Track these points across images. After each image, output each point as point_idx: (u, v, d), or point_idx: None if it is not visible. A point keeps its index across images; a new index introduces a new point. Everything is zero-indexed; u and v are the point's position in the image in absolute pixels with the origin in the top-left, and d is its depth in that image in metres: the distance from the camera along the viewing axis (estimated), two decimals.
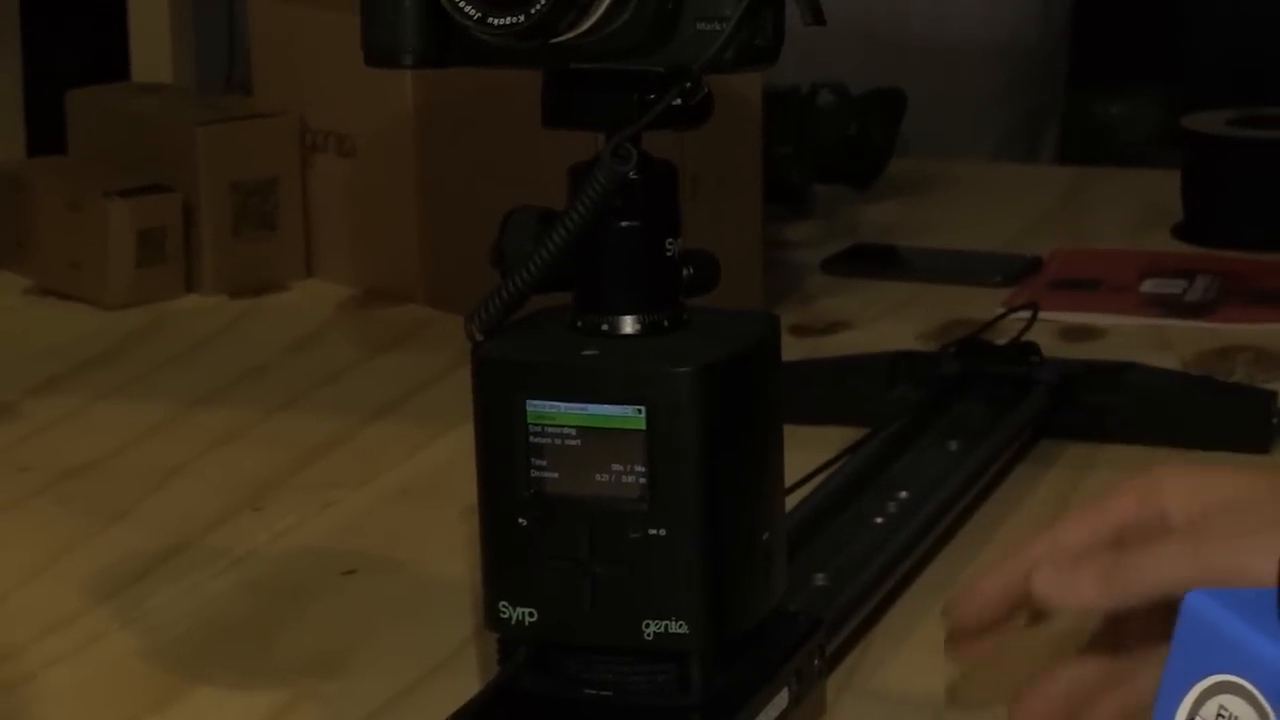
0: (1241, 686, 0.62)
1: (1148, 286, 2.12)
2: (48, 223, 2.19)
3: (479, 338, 1.10)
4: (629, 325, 1.10)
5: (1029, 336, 1.86)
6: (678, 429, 1.07)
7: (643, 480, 1.07)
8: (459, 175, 2.02)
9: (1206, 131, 2.34)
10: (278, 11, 2.24)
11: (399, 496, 1.65)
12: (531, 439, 1.08)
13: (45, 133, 2.49)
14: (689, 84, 1.06)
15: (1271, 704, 0.60)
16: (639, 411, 1.07)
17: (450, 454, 1.72)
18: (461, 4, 1.02)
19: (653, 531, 1.07)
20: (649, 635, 1.08)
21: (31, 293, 2.19)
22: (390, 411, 1.84)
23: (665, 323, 1.10)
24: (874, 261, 2.25)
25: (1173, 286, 2.11)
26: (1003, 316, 1.94)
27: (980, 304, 2.06)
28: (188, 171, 2.16)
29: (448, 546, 1.50)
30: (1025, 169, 2.76)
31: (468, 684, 1.24)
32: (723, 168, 1.95)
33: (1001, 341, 1.85)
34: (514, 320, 1.10)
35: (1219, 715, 0.62)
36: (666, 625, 1.07)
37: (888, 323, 2.03)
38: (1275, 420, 1.70)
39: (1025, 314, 1.93)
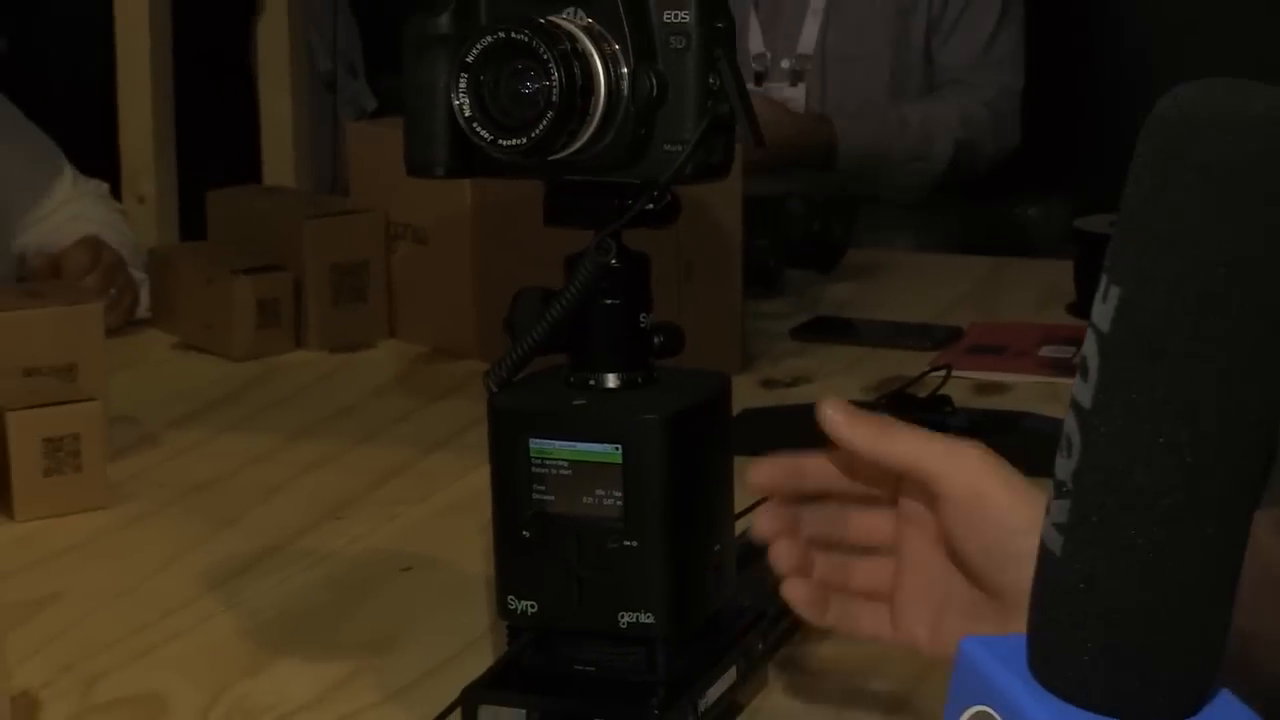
0: (993, 716, 0.62)
1: (1045, 351, 2.12)
2: (189, 293, 2.19)
3: (494, 389, 1.11)
4: (611, 381, 1.11)
5: (947, 391, 1.86)
6: (647, 463, 1.08)
7: (619, 503, 1.08)
8: (505, 259, 2.02)
9: (1093, 231, 2.33)
10: (367, 132, 2.26)
11: (447, 511, 1.65)
12: (533, 469, 1.09)
13: (192, 223, 2.49)
14: (657, 193, 1.06)
15: None
16: (617, 449, 1.08)
17: (488, 479, 1.72)
18: (478, 129, 1.04)
19: (627, 543, 1.08)
20: (624, 624, 1.08)
21: (176, 347, 2.20)
22: (445, 445, 1.84)
23: (639, 379, 1.11)
24: (832, 330, 2.25)
25: (1065, 352, 2.10)
26: (922, 376, 1.94)
27: (915, 364, 2.05)
28: (297, 255, 2.16)
29: (483, 551, 1.49)
30: (952, 258, 2.75)
31: (489, 660, 1.24)
32: (711, 256, 1.96)
33: (924, 394, 1.84)
34: (521, 376, 1.10)
35: None
36: (638, 616, 1.08)
37: (840, 378, 2.03)
38: None
39: (942, 373, 1.93)
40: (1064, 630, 0.61)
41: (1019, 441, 1.73)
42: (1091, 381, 0.59)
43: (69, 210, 2.42)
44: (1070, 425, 0.60)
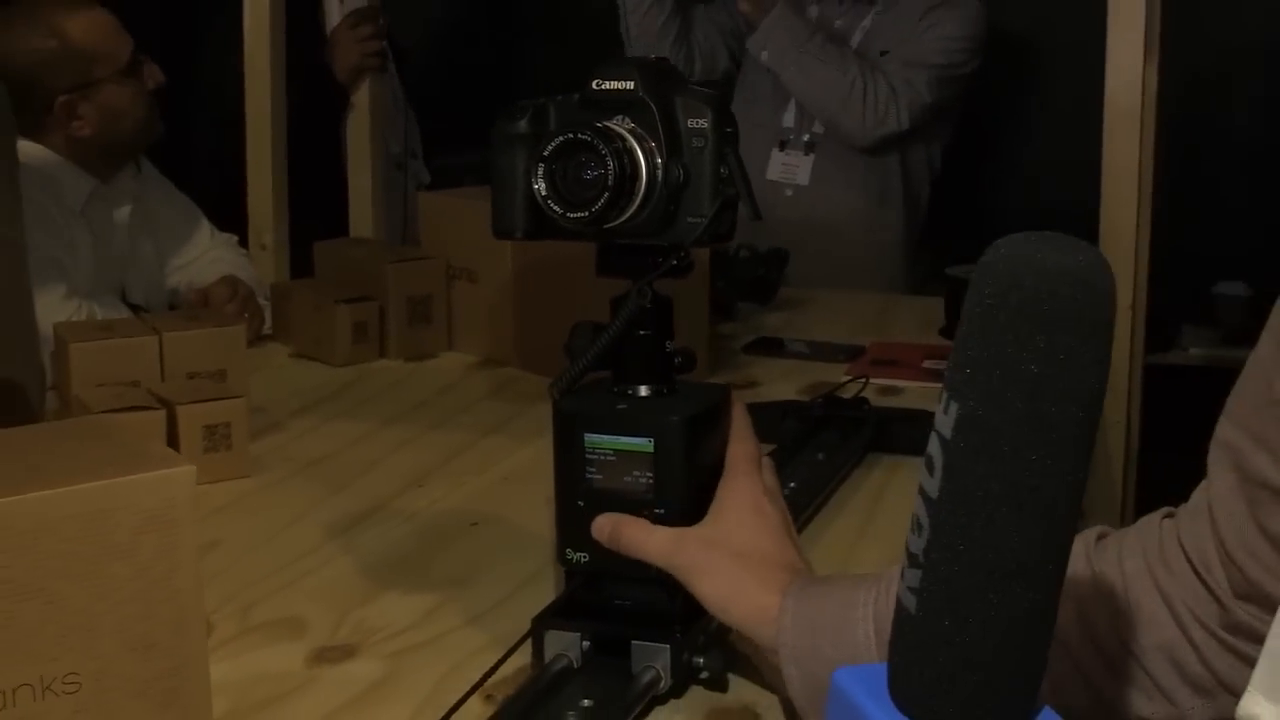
0: None
1: (927, 364, 2.11)
2: (302, 316, 2.18)
3: (557, 397, 1.09)
4: (644, 391, 1.10)
5: (863, 394, 1.85)
6: (672, 452, 1.07)
7: (651, 481, 1.07)
8: (535, 293, 2.02)
9: (958, 275, 2.34)
10: (434, 200, 2.26)
11: (502, 481, 1.64)
12: (587, 456, 1.08)
13: (299, 264, 2.48)
14: (683, 254, 1.05)
15: None
16: (650, 441, 1.06)
17: (532, 456, 1.70)
18: (552, 205, 1.03)
19: (657, 510, 1.07)
20: (653, 571, 1.06)
21: (291, 356, 2.18)
22: (497, 430, 1.82)
23: (664, 390, 1.10)
24: (771, 347, 2.24)
25: (942, 365, 2.09)
26: (848, 383, 1.93)
27: (833, 373, 2.05)
28: (382, 289, 2.14)
29: (532, 510, 1.48)
30: (855, 293, 2.74)
31: (545, 596, 1.23)
32: (687, 293, 1.94)
33: (848, 396, 1.83)
34: (578, 387, 1.08)
35: None
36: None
37: (780, 384, 2.02)
38: None
39: (860, 380, 1.92)
40: (919, 669, 0.60)
41: (917, 432, 1.73)
42: (937, 477, 0.59)
43: (210, 256, 2.41)
44: (920, 510, 0.60)
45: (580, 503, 1.08)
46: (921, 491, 0.59)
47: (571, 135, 1.01)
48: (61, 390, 1.68)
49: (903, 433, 1.71)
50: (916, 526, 0.59)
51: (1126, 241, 2.18)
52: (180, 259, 2.40)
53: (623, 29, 3.11)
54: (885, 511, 1.53)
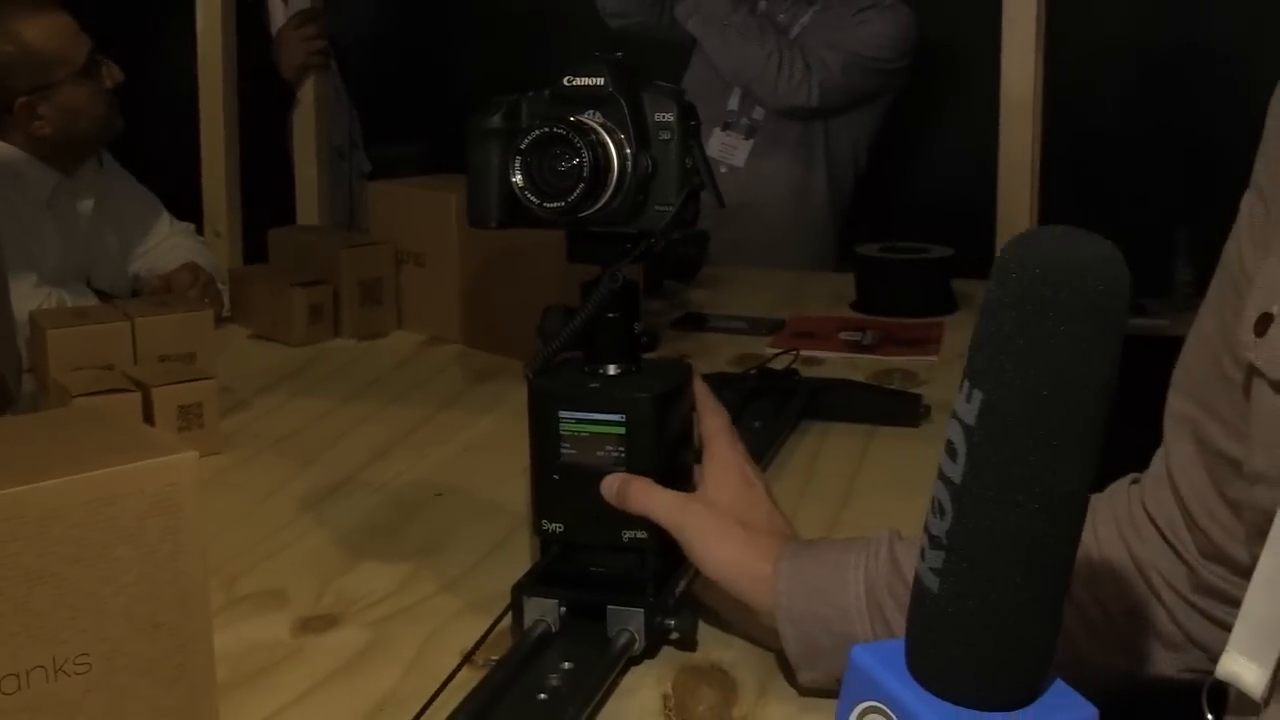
0: (883, 709, 0.59)
1: (843, 335, 2.08)
2: (260, 299, 2.11)
3: (531, 376, 1.05)
4: (613, 370, 1.05)
5: (793, 366, 1.82)
6: (642, 427, 1.03)
7: (623, 455, 1.03)
8: (479, 275, 1.98)
9: (865, 254, 2.32)
10: (383, 189, 2.19)
11: (461, 452, 1.59)
12: (561, 432, 1.04)
13: (251, 250, 2.40)
14: (652, 240, 1.02)
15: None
16: (621, 418, 1.02)
17: (487, 429, 1.66)
18: (529, 195, 0.99)
19: None
20: (625, 539, 1.04)
21: (251, 337, 2.11)
22: (451, 404, 1.78)
23: (633, 369, 1.06)
24: (696, 323, 2.20)
25: (855, 336, 2.07)
26: (779, 355, 1.90)
27: (755, 346, 2.02)
28: (335, 273, 2.08)
29: (491, 480, 1.44)
30: (770, 272, 2.70)
31: (512, 561, 1.20)
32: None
33: (779, 368, 1.80)
34: (550, 367, 1.04)
35: None
36: (635, 534, 1.04)
37: (709, 357, 1.98)
38: (922, 410, 1.66)
39: (791, 353, 1.89)
40: (940, 645, 0.58)
41: (844, 399, 1.70)
42: (960, 463, 0.56)
43: (170, 244, 2.33)
44: (942, 494, 0.57)
45: (555, 476, 1.04)
46: (942, 476, 0.56)
47: (547, 129, 0.97)
48: (39, 374, 1.61)
49: (831, 401, 1.69)
50: (938, 510, 0.56)
51: (1022, 221, 2.17)
52: (142, 247, 2.32)
53: None
54: (821, 474, 1.50)
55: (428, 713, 0.97)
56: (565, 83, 1.00)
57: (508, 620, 1.09)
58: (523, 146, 0.98)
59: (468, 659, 1.02)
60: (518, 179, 0.98)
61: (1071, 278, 0.54)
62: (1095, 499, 0.92)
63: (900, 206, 3.77)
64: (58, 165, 2.12)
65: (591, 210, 0.99)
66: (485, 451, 1.57)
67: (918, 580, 0.58)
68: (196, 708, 0.87)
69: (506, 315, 1.97)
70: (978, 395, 0.54)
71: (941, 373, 1.90)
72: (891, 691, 0.57)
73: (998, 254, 0.56)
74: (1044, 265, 0.54)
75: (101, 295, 2.15)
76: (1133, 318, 2.45)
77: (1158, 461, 0.87)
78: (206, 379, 1.55)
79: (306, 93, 2.75)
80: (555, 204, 0.98)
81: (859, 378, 1.84)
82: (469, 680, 1.00)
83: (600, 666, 0.99)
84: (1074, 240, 0.55)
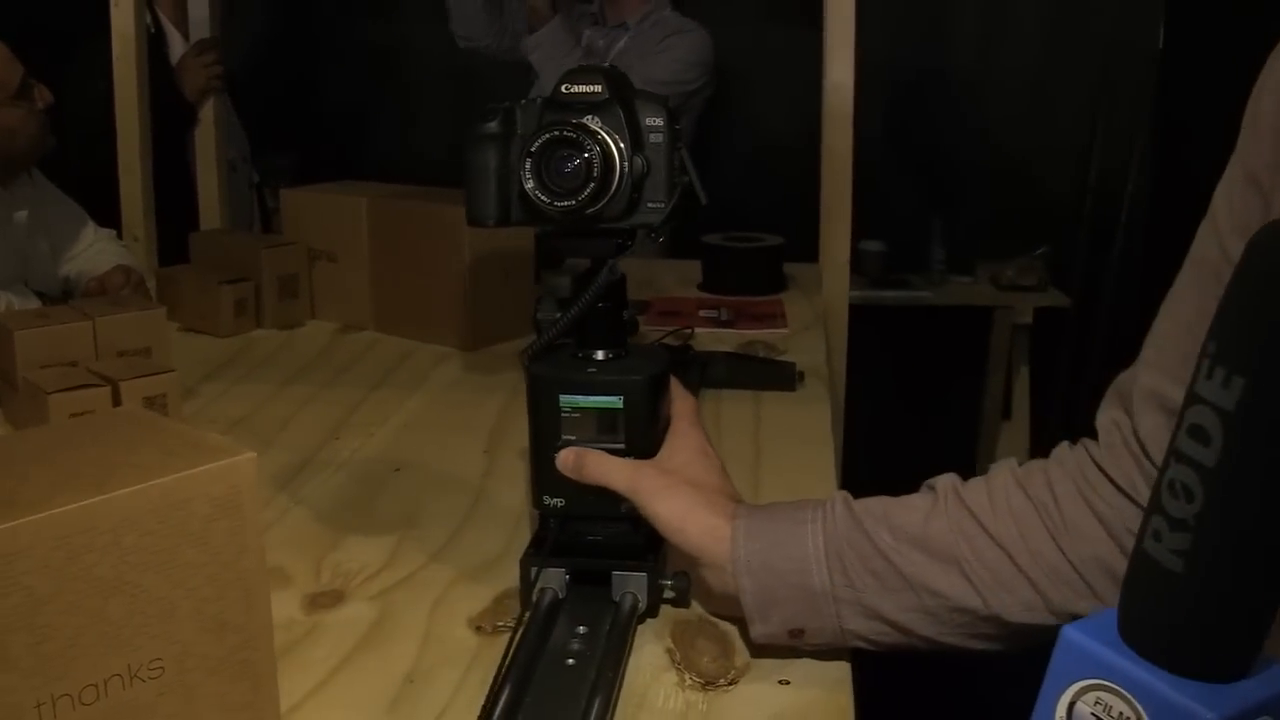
0: (1110, 686, 0.49)
1: (703, 313, 1.98)
2: (189, 296, 1.91)
3: (527, 363, 0.92)
4: (602, 355, 0.93)
5: (668, 341, 1.72)
6: (637, 406, 0.91)
7: (622, 434, 0.91)
8: (388, 269, 1.82)
9: (711, 243, 2.23)
10: (296, 195, 2.00)
11: (404, 429, 1.44)
12: (562, 415, 0.91)
13: (176, 255, 2.18)
14: (653, 234, 0.90)
15: (1138, 699, 0.48)
16: (619, 399, 0.90)
17: (420, 407, 1.52)
18: (539, 194, 0.85)
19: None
20: (624, 510, 0.91)
21: (180, 330, 1.90)
22: (380, 385, 1.62)
23: (624, 353, 0.94)
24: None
25: (713, 314, 1.98)
26: (675, 331, 1.79)
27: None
28: (256, 270, 1.90)
29: (441, 454, 1.31)
30: (626, 260, 2.59)
31: (485, 531, 1.08)
32: (515, 265, 1.79)
33: (676, 344, 1.70)
34: (543, 353, 0.92)
35: (1096, 704, 0.49)
36: (631, 505, 0.91)
37: None
38: (797, 375, 1.58)
39: (686, 330, 1.79)
40: (1174, 622, 0.48)
41: (731, 369, 1.61)
42: (1214, 448, 0.46)
43: (95, 248, 2.11)
44: (1188, 478, 0.47)
45: (556, 456, 0.92)
46: (1189, 460, 0.46)
47: (557, 132, 0.84)
48: (6, 372, 1.41)
49: (719, 371, 1.59)
50: (1183, 493, 0.46)
51: (844, 212, 2.11)
52: (70, 252, 2.09)
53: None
54: (727, 436, 1.40)
55: (457, 684, 0.85)
56: (564, 90, 0.87)
57: (506, 587, 0.97)
58: (533, 149, 0.85)
59: (514, 634, 0.88)
60: (529, 181, 0.85)
61: None
62: (1043, 462, 0.84)
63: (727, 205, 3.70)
64: None
65: (596, 208, 0.87)
66: (424, 429, 1.43)
67: (1148, 559, 0.48)
68: (260, 699, 0.73)
69: (414, 303, 1.83)
70: (1238, 381, 0.44)
71: (795, 341, 1.82)
72: (1125, 669, 0.47)
73: (1255, 238, 0.46)
74: None
75: (39, 297, 1.93)
76: (898, 290, 2.39)
77: (1112, 432, 0.79)
78: (169, 371, 1.38)
79: (207, 113, 2.54)
80: (565, 203, 0.85)
81: (728, 349, 1.75)
82: (483, 648, 0.88)
83: (618, 628, 0.87)
84: None
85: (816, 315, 2.01)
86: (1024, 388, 3.53)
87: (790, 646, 0.87)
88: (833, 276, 2.14)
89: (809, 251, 2.21)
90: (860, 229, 2.16)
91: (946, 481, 0.86)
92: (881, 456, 2.50)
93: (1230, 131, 0.73)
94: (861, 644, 0.86)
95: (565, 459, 0.91)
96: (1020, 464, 0.85)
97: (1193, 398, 0.46)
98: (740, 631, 0.92)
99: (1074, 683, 0.48)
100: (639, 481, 0.90)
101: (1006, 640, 0.83)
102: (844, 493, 0.88)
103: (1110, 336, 3.47)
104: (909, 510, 0.84)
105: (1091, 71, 3.54)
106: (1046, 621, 0.81)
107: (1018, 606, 0.81)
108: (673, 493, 0.89)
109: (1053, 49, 3.57)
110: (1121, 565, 0.78)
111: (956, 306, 3.40)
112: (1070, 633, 0.49)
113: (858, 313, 2.20)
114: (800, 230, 2.25)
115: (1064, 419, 3.56)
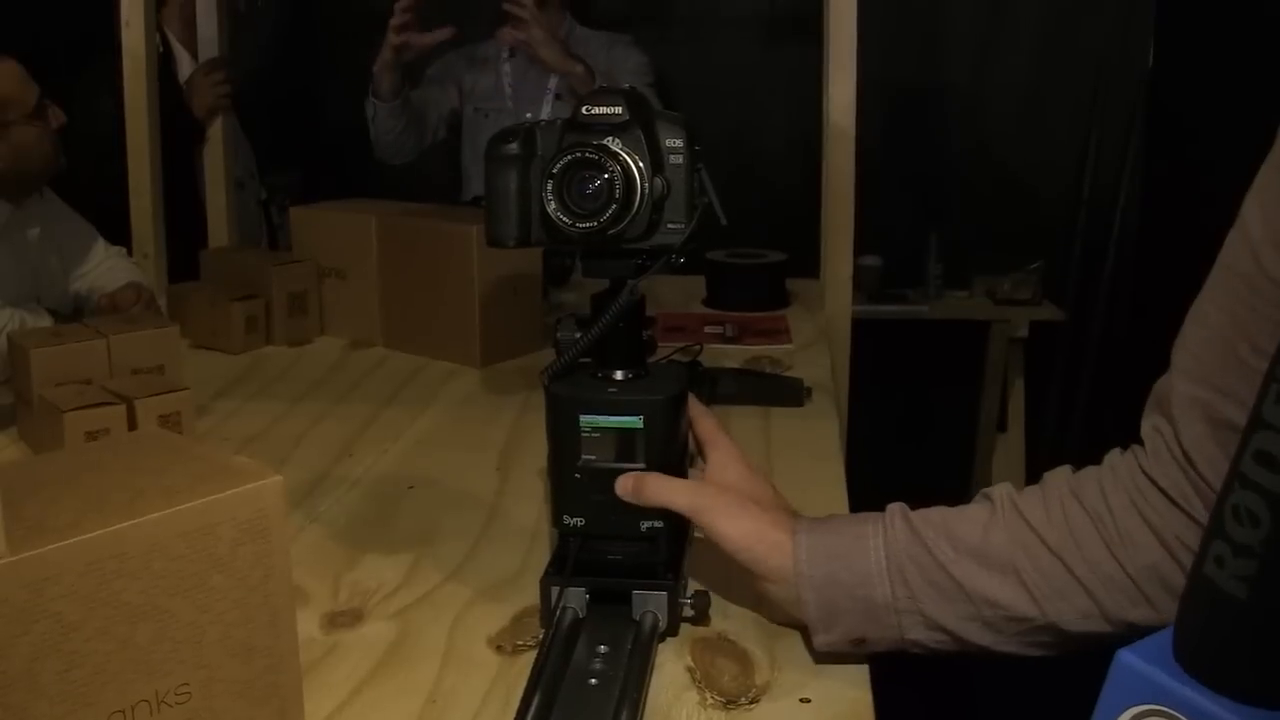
0: (1168, 712, 0.47)
1: (708, 329, 1.97)
2: (199, 312, 1.90)
3: (548, 384, 0.91)
4: (622, 375, 0.92)
5: (676, 357, 1.71)
6: (658, 426, 0.90)
7: (640, 452, 0.90)
8: (397, 286, 1.81)
9: (715, 259, 2.21)
10: (305, 213, 1.99)
11: (416, 445, 1.43)
12: (583, 435, 0.90)
13: (185, 271, 2.17)
14: (673, 256, 0.89)
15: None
16: (640, 419, 0.89)
17: (431, 424, 1.50)
18: (560, 216, 0.84)
19: None
20: (644, 529, 0.90)
21: (191, 347, 1.89)
22: (391, 402, 1.61)
23: (643, 373, 0.93)
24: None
25: (718, 329, 1.97)
26: (683, 348, 1.77)
27: None
28: (266, 287, 1.89)
29: (453, 472, 1.30)
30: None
31: (500, 549, 1.06)
32: (524, 284, 1.78)
33: (686, 359, 1.69)
34: (564, 373, 0.91)
35: None
36: (653, 523, 0.91)
37: None
38: (805, 391, 1.57)
39: (695, 346, 1.78)
40: (1236, 648, 0.46)
41: (741, 385, 1.60)
42: None
43: (106, 265, 2.09)
44: (1256, 504, 0.45)
45: (576, 475, 0.91)
46: (1250, 483, 0.44)
47: (579, 154, 0.83)
48: (21, 390, 1.39)
49: (728, 387, 1.58)
50: (1249, 518, 0.44)
51: (846, 229, 2.10)
52: (81, 269, 2.08)
53: (372, 136, 2.84)
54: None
55: (479, 705, 0.83)
56: (584, 111, 0.86)
57: (524, 605, 0.95)
58: (554, 171, 0.84)
59: (539, 652, 0.87)
60: (550, 202, 0.84)
61: None
62: (1097, 471, 0.84)
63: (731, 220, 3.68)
64: (9, 198, 1.88)
65: (617, 229, 0.85)
66: (436, 446, 1.42)
67: (1210, 584, 0.46)
68: None
69: (423, 319, 1.82)
70: None
71: (799, 357, 1.81)
72: (1183, 695, 0.46)
73: None
74: None
75: (50, 314, 1.92)
76: (895, 305, 2.37)
77: (1155, 439, 0.78)
78: (183, 389, 1.36)
79: (215, 131, 2.52)
80: (587, 224, 0.84)
81: (734, 365, 1.74)
82: (504, 668, 0.87)
83: (640, 648, 0.86)
84: None
85: (819, 330, 2.00)
86: (1019, 400, 3.52)
87: (852, 653, 0.87)
88: (835, 292, 2.13)
89: (804, 267, 2.21)
90: (857, 244, 2.15)
91: (1002, 491, 0.86)
92: (878, 468, 2.48)
93: (1220, 144, 0.72)
94: (919, 650, 0.86)
95: (624, 484, 0.89)
96: (1074, 470, 0.85)
97: (1259, 423, 0.44)
98: (766, 648, 0.91)
99: (1130, 707, 0.47)
100: (702, 500, 0.89)
101: (1061, 647, 0.84)
102: (901, 504, 0.89)
103: (1104, 349, 3.47)
104: (967, 522, 0.84)
105: (1084, 88, 3.54)
106: (1102, 629, 0.81)
107: (1074, 615, 0.81)
108: (736, 511, 0.89)
109: (1046, 66, 3.57)
110: (1174, 574, 0.78)
111: (953, 320, 3.39)
112: (1126, 656, 0.48)
113: (855, 327, 2.19)
114: (796, 246, 2.24)
115: (1058, 431, 3.55)
